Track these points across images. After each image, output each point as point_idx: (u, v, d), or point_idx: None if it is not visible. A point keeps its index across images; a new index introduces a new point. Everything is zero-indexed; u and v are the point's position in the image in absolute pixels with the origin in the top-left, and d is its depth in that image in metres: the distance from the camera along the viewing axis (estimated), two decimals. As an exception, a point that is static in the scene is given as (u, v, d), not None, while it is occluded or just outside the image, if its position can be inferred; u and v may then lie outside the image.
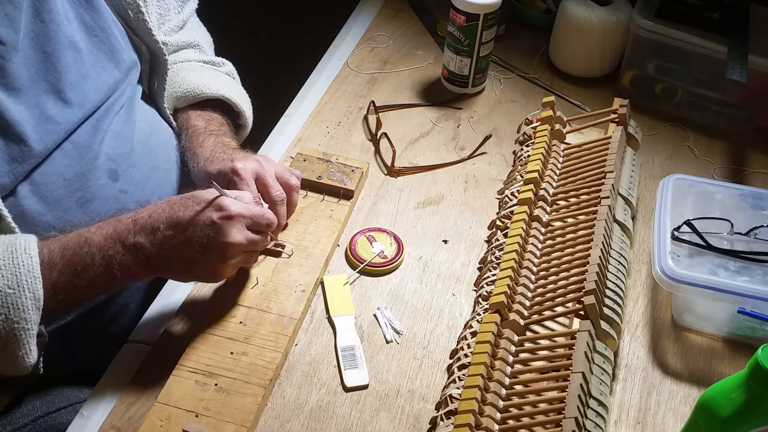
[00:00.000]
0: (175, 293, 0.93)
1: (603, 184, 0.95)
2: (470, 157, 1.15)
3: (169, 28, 1.07)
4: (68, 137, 0.88)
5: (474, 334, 0.83)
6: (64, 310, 0.83)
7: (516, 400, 0.75)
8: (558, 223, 0.94)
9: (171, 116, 1.06)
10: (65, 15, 0.88)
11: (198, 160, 0.97)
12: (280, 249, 0.95)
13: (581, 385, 0.73)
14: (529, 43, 1.39)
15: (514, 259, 0.87)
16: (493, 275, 0.89)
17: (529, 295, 0.85)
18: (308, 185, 1.04)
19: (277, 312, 0.88)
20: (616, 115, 1.06)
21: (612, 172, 0.96)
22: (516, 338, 0.81)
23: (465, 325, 0.87)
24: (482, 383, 0.75)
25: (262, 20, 1.92)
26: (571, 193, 0.97)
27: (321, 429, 0.80)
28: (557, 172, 1.01)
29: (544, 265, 0.88)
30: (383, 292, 0.95)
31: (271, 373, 0.82)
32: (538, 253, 0.90)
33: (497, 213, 1.02)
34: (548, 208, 0.96)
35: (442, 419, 0.77)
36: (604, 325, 0.82)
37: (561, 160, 1.03)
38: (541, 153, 1.01)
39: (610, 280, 0.87)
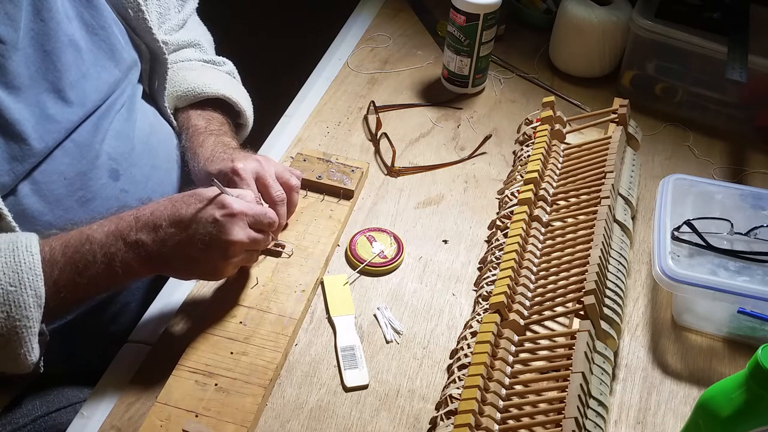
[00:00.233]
0: (175, 293, 0.93)
1: (603, 184, 0.95)
2: (470, 157, 1.15)
3: (170, 27, 1.07)
4: (69, 136, 0.88)
5: (474, 334, 0.83)
6: (66, 308, 0.83)
7: (516, 400, 0.75)
8: (558, 223, 0.94)
9: (171, 115, 1.06)
10: (65, 13, 0.88)
11: (198, 160, 0.97)
12: (280, 249, 0.95)
13: (581, 385, 0.73)
14: (529, 43, 1.39)
15: (514, 259, 0.87)
16: (493, 275, 0.89)
17: (529, 295, 0.85)
18: (308, 185, 1.04)
19: (277, 312, 0.88)
20: (616, 115, 1.06)
21: (612, 172, 0.96)
22: (516, 338, 0.81)
23: (465, 325, 0.87)
24: (482, 383, 0.75)
25: (262, 20, 1.92)
26: (571, 193, 0.97)
27: (321, 429, 0.80)
28: (557, 172, 1.01)
29: (544, 265, 0.88)
30: (383, 292, 0.95)
31: (271, 373, 0.82)
32: (538, 253, 0.90)
33: (497, 213, 1.02)
34: (548, 208, 0.96)
35: (442, 419, 0.77)
36: (604, 325, 0.82)
37: (561, 160, 1.03)
38: (541, 153, 1.01)
39: (610, 280, 0.87)
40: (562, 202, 0.97)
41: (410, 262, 0.98)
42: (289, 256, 0.95)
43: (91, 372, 0.87)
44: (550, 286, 0.85)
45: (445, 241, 1.02)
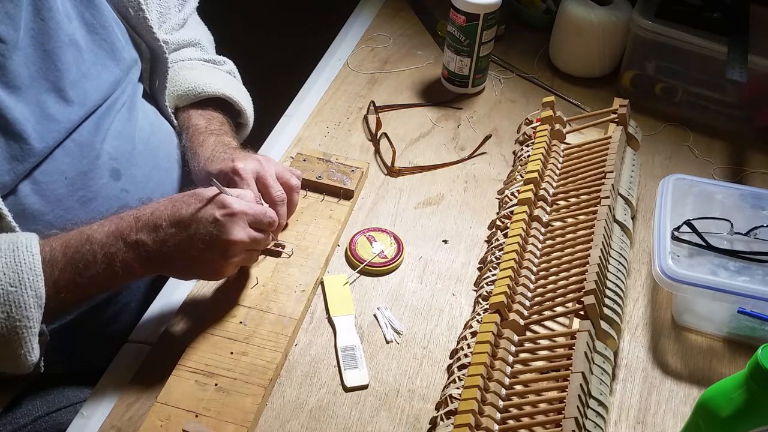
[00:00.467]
0: (175, 293, 0.93)
1: (603, 184, 0.95)
2: (470, 157, 1.15)
3: (170, 26, 1.07)
4: (69, 136, 0.88)
5: (474, 334, 0.83)
6: (66, 308, 0.83)
7: (516, 400, 0.75)
8: (558, 223, 0.94)
9: (172, 115, 1.06)
10: (65, 13, 0.88)
11: (199, 160, 0.97)
12: (280, 249, 0.95)
13: (581, 385, 0.73)
14: (529, 43, 1.39)
15: (514, 259, 0.87)
16: (493, 275, 0.89)
17: (529, 295, 0.85)
18: (308, 185, 1.04)
19: (277, 312, 0.88)
20: (616, 115, 1.06)
21: (612, 172, 0.96)
22: (516, 338, 0.81)
23: (465, 325, 0.87)
24: (482, 383, 0.75)
25: (262, 20, 1.92)
26: (571, 193, 0.97)
27: (321, 429, 0.80)
28: (557, 172, 1.01)
29: (544, 265, 0.88)
30: (383, 292, 0.95)
31: (271, 373, 0.82)
32: (538, 253, 0.90)
33: (497, 213, 1.02)
34: (548, 208, 0.96)
35: (442, 419, 0.77)
36: (604, 325, 0.82)
37: (561, 160, 1.03)
38: (541, 153, 1.01)
39: (610, 280, 0.87)
40: (562, 202, 0.97)
41: (410, 262, 0.98)
42: (289, 256, 0.95)
43: (91, 372, 0.87)
44: (550, 286, 0.85)
45: (445, 241, 1.02)
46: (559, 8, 1.30)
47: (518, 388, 0.76)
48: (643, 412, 0.84)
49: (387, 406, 0.83)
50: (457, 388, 0.78)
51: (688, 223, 0.93)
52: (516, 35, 1.41)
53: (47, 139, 0.85)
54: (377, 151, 1.15)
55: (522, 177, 1.00)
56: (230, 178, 0.91)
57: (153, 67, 1.05)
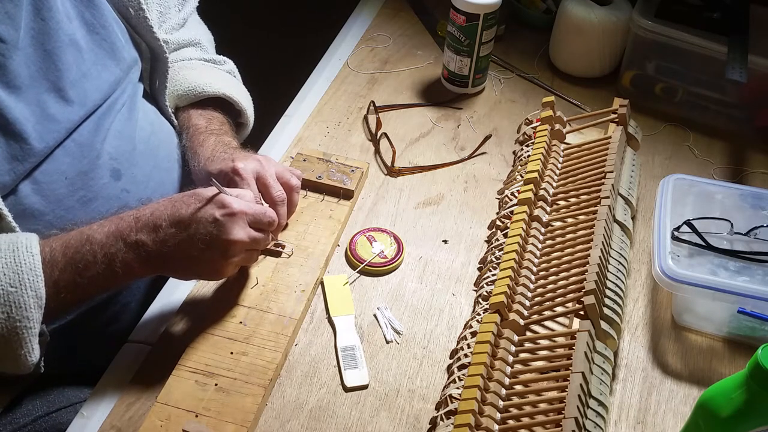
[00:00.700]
0: (175, 293, 0.93)
1: (603, 184, 0.95)
2: (470, 157, 1.15)
3: (170, 26, 1.07)
4: (70, 136, 0.88)
5: (474, 334, 0.83)
6: (66, 309, 0.83)
7: (516, 400, 0.75)
8: (558, 223, 0.94)
9: (172, 115, 1.06)
10: (66, 13, 0.88)
11: (199, 160, 0.97)
12: (280, 249, 0.95)
13: (581, 385, 0.73)
14: (529, 43, 1.39)
15: (514, 259, 0.87)
16: (493, 275, 0.89)
17: (529, 295, 0.85)
18: (308, 185, 1.04)
19: (277, 312, 0.88)
20: (616, 115, 1.06)
21: (612, 172, 0.96)
22: (516, 338, 0.81)
23: (465, 325, 0.87)
24: (482, 383, 0.75)
25: (263, 20, 1.92)
26: (571, 193, 0.97)
27: (321, 429, 0.80)
28: (557, 172, 1.01)
29: (544, 265, 0.88)
30: (383, 292, 0.95)
31: (271, 373, 0.82)
32: (538, 253, 0.90)
33: (497, 213, 1.02)
34: (548, 208, 0.96)
35: (442, 419, 0.77)
36: (604, 325, 0.82)
37: (561, 160, 1.03)
38: (541, 153, 1.01)
39: (610, 280, 0.87)
40: (562, 202, 0.97)
41: (410, 262, 0.98)
42: (289, 256, 0.95)
43: (91, 372, 0.87)
44: (550, 286, 0.85)
45: (445, 241, 1.02)
46: (559, 8, 1.30)
47: (518, 388, 0.76)
48: (643, 412, 0.84)
49: (387, 406, 0.83)
50: (457, 388, 0.78)
51: (688, 223, 0.93)
52: (516, 35, 1.41)
53: (47, 139, 0.85)
54: (377, 151, 1.15)
55: (522, 177, 1.00)
56: (230, 178, 0.91)
57: (153, 66, 1.05)
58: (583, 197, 0.95)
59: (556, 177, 1.00)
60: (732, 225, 0.94)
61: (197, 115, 1.05)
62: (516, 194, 0.99)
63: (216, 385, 0.81)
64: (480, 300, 0.89)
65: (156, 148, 1.00)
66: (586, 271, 0.84)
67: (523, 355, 0.79)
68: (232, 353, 0.84)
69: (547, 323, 0.84)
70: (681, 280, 0.86)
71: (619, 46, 1.28)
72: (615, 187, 0.96)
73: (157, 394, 0.80)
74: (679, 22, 1.19)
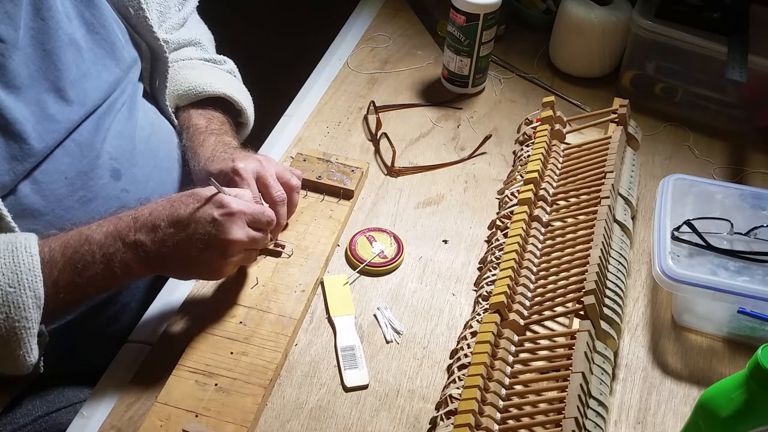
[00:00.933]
0: (175, 292, 0.93)
1: (603, 184, 0.95)
2: (470, 157, 1.15)
3: (170, 25, 1.07)
4: (69, 135, 0.88)
5: (474, 334, 0.83)
6: (65, 309, 0.83)
7: (516, 400, 0.75)
8: (558, 223, 0.94)
9: (173, 114, 1.06)
10: (65, 12, 0.88)
11: (199, 160, 0.97)
12: (280, 249, 0.95)
13: (581, 385, 0.73)
14: (529, 43, 1.39)
15: (514, 259, 0.87)
16: (493, 275, 0.89)
17: (529, 295, 0.85)
18: (308, 185, 1.04)
19: (277, 312, 0.88)
20: (616, 115, 1.06)
21: (612, 172, 0.96)
22: (516, 338, 0.81)
23: (465, 325, 0.87)
24: (482, 383, 0.75)
25: (262, 19, 1.92)
26: (571, 193, 0.97)
27: (321, 429, 0.80)
28: (557, 172, 1.01)
29: (544, 265, 0.88)
30: (383, 292, 0.95)
31: (271, 373, 0.82)
32: (538, 253, 0.90)
33: (497, 213, 1.02)
34: (548, 208, 0.96)
35: (442, 419, 0.77)
36: (604, 325, 0.82)
37: (561, 160, 1.03)
38: (541, 153, 1.01)
39: (610, 280, 0.87)
40: (562, 202, 0.97)
41: (410, 262, 0.98)
42: (289, 256, 0.95)
43: (91, 372, 0.87)
44: (550, 286, 0.85)
45: (445, 241, 1.02)
46: (559, 8, 1.30)
47: (518, 388, 0.76)
48: (643, 412, 0.84)
49: (387, 406, 0.83)
50: (457, 388, 0.78)
51: (688, 223, 0.93)
52: (516, 35, 1.41)
53: (47, 139, 0.85)
54: (377, 151, 1.15)
55: (522, 177, 1.00)
56: (230, 178, 0.91)
57: (153, 66, 1.05)
58: (583, 197, 0.95)
59: (556, 177, 1.00)
60: (732, 225, 0.94)
61: (197, 115, 1.05)
62: (516, 194, 0.98)
63: (216, 385, 0.81)
64: (480, 300, 0.89)
65: (156, 148, 1.00)
66: (586, 271, 0.83)
67: (523, 355, 0.79)
68: (232, 353, 0.84)
69: (547, 323, 0.84)
70: (681, 280, 0.86)
71: (619, 46, 1.28)
72: (615, 187, 0.96)
73: (157, 394, 0.80)
74: (679, 22, 1.19)
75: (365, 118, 1.21)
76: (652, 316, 0.95)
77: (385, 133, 1.15)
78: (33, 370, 0.79)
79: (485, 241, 1.02)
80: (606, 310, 0.83)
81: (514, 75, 1.33)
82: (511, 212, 0.96)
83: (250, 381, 0.81)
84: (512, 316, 0.82)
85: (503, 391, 0.76)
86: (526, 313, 0.83)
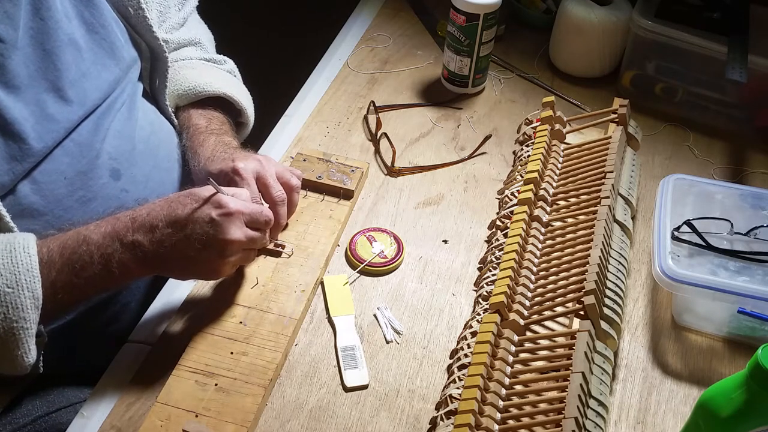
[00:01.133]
0: (175, 293, 0.93)
1: (603, 184, 0.95)
2: (470, 157, 1.15)
3: (170, 25, 1.07)
4: (69, 135, 0.88)
5: (474, 334, 0.83)
6: (63, 309, 0.83)
7: (516, 400, 0.75)
8: (558, 223, 0.94)
9: (172, 114, 1.06)
10: (65, 12, 0.88)
11: (199, 160, 0.97)
12: (280, 249, 0.95)
13: (581, 385, 0.73)
14: (529, 43, 1.39)
15: (514, 259, 0.87)
16: (493, 275, 0.89)
17: (529, 295, 0.85)
18: (308, 185, 1.04)
19: (277, 312, 0.88)
20: (616, 115, 1.06)
21: (612, 172, 0.96)
22: (516, 338, 0.81)
23: (465, 325, 0.87)
24: (482, 383, 0.75)
25: (262, 19, 1.92)
26: (571, 193, 0.97)
27: (321, 429, 0.80)
28: (557, 172, 1.01)
29: (544, 265, 0.88)
30: (383, 292, 0.95)
31: (271, 373, 0.82)
32: (538, 253, 0.90)
33: (497, 213, 1.02)
34: (548, 208, 0.96)
35: (442, 419, 0.77)
36: (604, 325, 0.82)
37: (561, 160, 1.03)
38: (541, 153, 1.01)
39: (610, 280, 0.87)
40: (562, 202, 0.97)
41: (410, 262, 0.98)
42: (289, 256, 0.95)
43: (91, 372, 0.87)
44: (550, 286, 0.85)
45: (445, 241, 1.02)
46: (559, 8, 1.30)
47: (518, 388, 0.76)
48: (643, 412, 0.84)
49: (387, 406, 0.83)
50: (457, 388, 0.78)
51: (688, 223, 0.92)
52: (516, 35, 1.41)
53: (46, 139, 0.85)
54: (377, 151, 1.15)
55: (522, 177, 1.00)
56: (230, 178, 0.91)
57: (153, 66, 1.05)
58: (583, 197, 0.95)
59: (556, 177, 1.00)
60: (732, 225, 0.94)
61: (197, 115, 1.05)
62: (516, 194, 0.98)
63: (216, 385, 0.81)
64: (480, 300, 0.89)
65: (156, 148, 1.00)
66: (586, 271, 0.83)
67: (523, 355, 0.79)
68: (232, 353, 0.84)
69: (547, 323, 0.84)
70: (681, 280, 0.86)
71: (619, 46, 1.28)
72: (615, 187, 0.96)
73: (157, 394, 0.80)
74: (679, 22, 1.19)
75: (365, 118, 1.21)
76: (652, 316, 0.95)
77: (385, 133, 1.15)
78: (32, 370, 0.79)
79: (485, 241, 1.02)
80: (606, 310, 0.83)
81: (514, 75, 1.33)
82: (511, 212, 0.96)
83: (250, 381, 0.81)
84: (512, 316, 0.82)
85: (503, 391, 0.76)
86: (526, 313, 0.83)
